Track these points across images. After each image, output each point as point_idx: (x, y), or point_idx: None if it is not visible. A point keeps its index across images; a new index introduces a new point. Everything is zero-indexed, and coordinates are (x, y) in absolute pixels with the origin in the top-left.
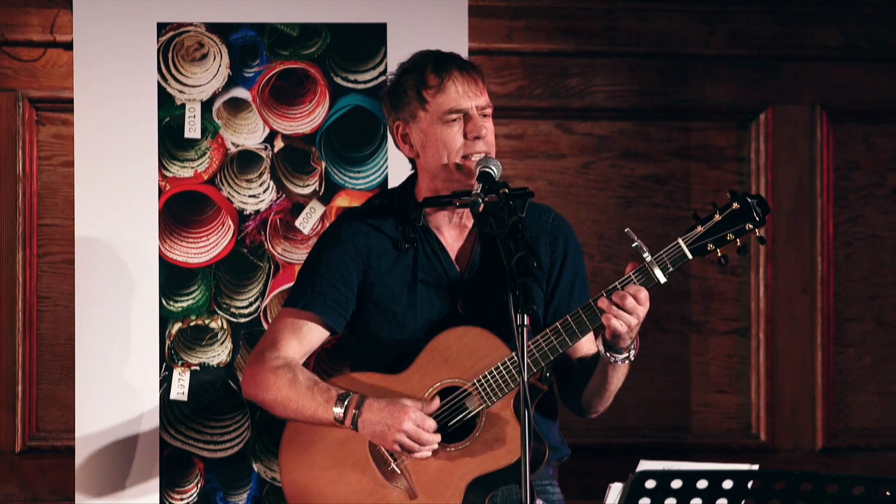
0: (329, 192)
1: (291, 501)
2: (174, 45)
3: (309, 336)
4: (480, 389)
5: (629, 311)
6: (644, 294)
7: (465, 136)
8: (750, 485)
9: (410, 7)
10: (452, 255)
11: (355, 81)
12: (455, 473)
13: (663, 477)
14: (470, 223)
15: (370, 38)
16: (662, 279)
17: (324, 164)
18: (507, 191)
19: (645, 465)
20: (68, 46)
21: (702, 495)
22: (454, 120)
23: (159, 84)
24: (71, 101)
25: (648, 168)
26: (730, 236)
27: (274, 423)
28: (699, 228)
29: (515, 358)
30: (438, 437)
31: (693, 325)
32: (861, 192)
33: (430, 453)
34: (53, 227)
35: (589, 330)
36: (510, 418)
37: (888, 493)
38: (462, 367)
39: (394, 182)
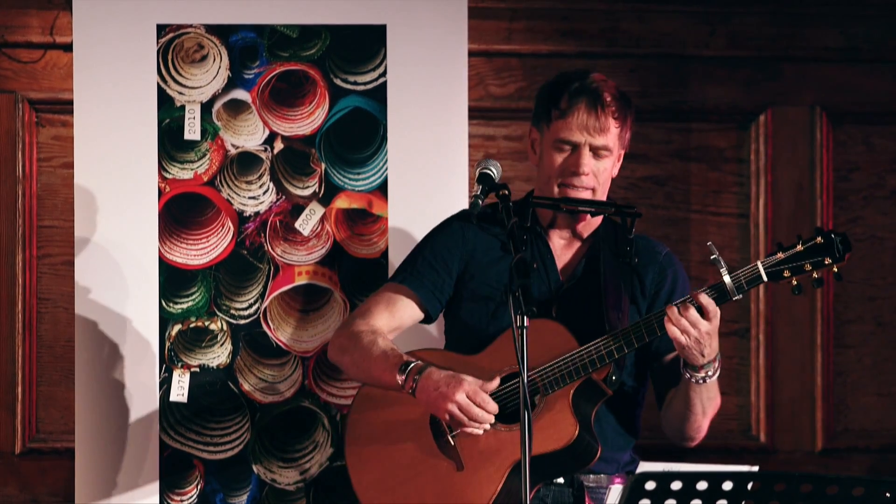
0: (329, 193)
1: (350, 463)
2: (174, 47)
3: (401, 311)
4: (542, 377)
5: (691, 322)
6: (710, 307)
7: (567, 167)
8: (750, 486)
9: (410, 8)
10: (559, 264)
11: (355, 83)
12: (503, 453)
13: (663, 478)
14: (580, 240)
15: (370, 40)
16: (735, 296)
17: (323, 166)
18: (506, 192)
19: (645, 466)
20: (68, 48)
21: (702, 497)
22: (563, 149)
23: (159, 86)
24: (71, 102)
25: (648, 169)
26: (807, 267)
27: (274, 425)
28: (779, 255)
29: (583, 353)
30: (490, 417)
31: None
32: (861, 194)
33: (480, 430)
34: (53, 228)
35: (654, 335)
36: (565, 408)
37: (888, 495)
38: (531, 355)
39: (393, 183)
